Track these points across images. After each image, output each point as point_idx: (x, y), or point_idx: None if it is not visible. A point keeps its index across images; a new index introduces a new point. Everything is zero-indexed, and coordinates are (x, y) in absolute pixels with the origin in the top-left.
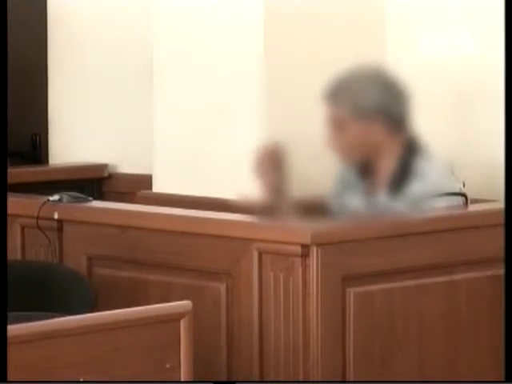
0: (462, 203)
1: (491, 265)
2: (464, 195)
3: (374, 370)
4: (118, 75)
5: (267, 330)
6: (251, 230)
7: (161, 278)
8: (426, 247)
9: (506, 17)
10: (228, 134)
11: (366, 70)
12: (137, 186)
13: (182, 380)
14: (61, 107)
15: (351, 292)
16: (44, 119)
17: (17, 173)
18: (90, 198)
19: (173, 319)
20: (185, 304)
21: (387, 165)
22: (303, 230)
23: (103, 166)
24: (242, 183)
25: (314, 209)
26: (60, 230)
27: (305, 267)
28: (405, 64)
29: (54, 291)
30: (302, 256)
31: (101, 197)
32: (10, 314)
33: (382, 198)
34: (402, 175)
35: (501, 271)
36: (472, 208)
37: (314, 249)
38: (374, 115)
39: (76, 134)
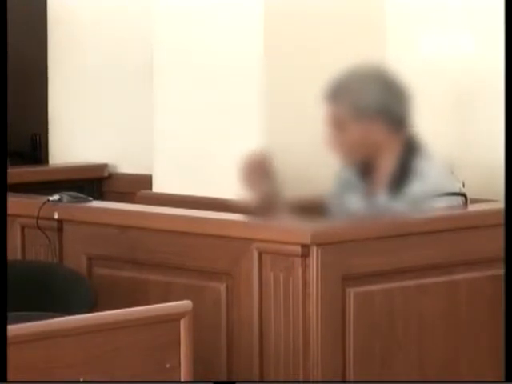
0: (461, 203)
1: (491, 265)
2: (464, 195)
3: (374, 370)
4: (118, 75)
5: (267, 329)
6: (251, 229)
7: (161, 278)
8: (426, 247)
9: (506, 17)
10: (228, 134)
11: (366, 70)
12: (137, 186)
13: (182, 380)
14: (61, 107)
15: (351, 292)
16: (44, 119)
17: (17, 173)
18: (90, 198)
19: (173, 319)
20: (185, 304)
21: (387, 165)
22: (303, 230)
23: (103, 166)
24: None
25: (313, 209)
26: (60, 230)
27: (305, 267)
28: (405, 64)
29: (54, 291)
30: (302, 256)
31: (101, 197)
32: (10, 314)
33: (382, 198)
34: (402, 175)
35: (501, 271)
36: (472, 208)
37: (314, 249)
38: (374, 115)
39: (76, 134)
